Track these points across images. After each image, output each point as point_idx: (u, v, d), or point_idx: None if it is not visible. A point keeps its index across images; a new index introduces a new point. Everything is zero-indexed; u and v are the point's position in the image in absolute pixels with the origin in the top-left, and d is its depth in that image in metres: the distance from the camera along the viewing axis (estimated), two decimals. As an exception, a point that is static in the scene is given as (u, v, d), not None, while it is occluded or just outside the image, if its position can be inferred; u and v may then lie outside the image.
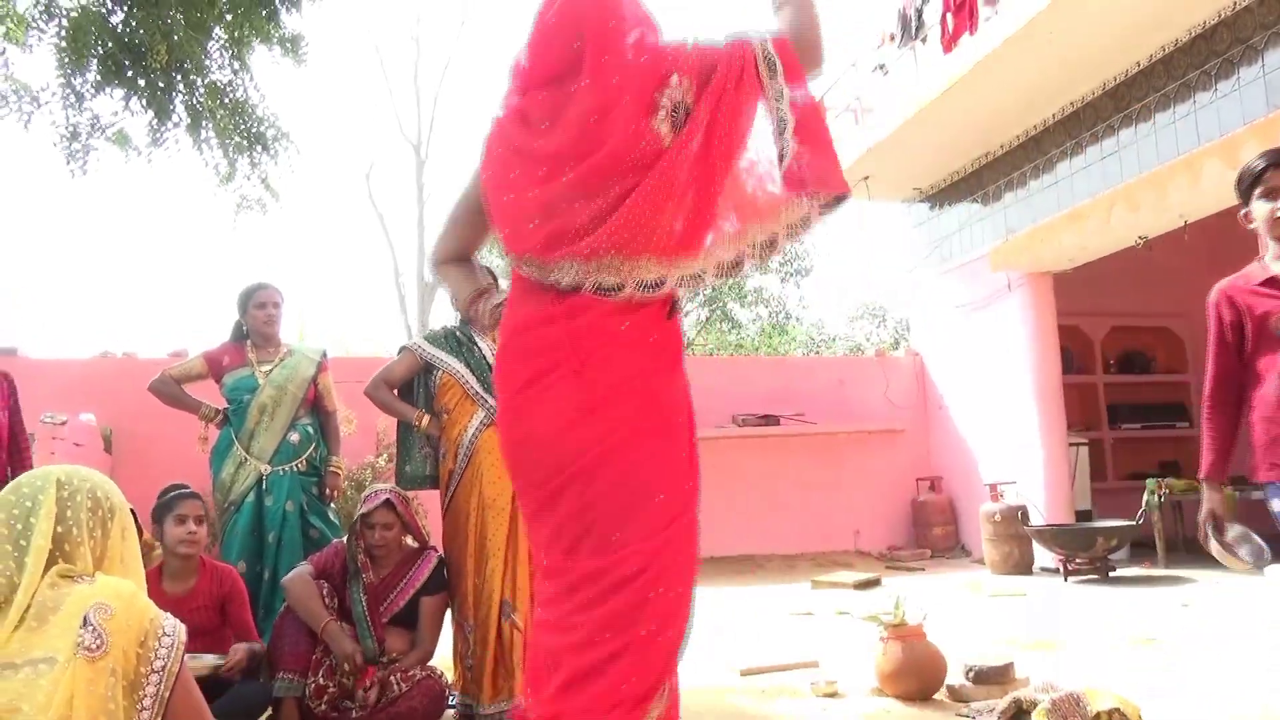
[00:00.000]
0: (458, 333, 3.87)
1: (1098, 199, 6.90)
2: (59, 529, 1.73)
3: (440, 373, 3.79)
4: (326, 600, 3.53)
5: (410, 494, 3.85)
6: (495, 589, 3.54)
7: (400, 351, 3.96)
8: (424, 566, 3.68)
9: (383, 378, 3.87)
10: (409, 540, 3.80)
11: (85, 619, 1.62)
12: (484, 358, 3.77)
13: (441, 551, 3.74)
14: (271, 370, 4.31)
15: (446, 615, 3.73)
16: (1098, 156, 7.09)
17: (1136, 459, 9.68)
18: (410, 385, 3.94)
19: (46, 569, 1.69)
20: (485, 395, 3.69)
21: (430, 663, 3.61)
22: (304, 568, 3.64)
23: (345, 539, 3.74)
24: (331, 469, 4.38)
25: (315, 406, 4.43)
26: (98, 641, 1.61)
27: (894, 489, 9.51)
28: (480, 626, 3.55)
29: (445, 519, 3.74)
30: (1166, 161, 6.38)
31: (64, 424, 6.45)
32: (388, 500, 3.65)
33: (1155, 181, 6.38)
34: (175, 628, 1.75)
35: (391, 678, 3.42)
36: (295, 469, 4.25)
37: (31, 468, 4.35)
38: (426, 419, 3.79)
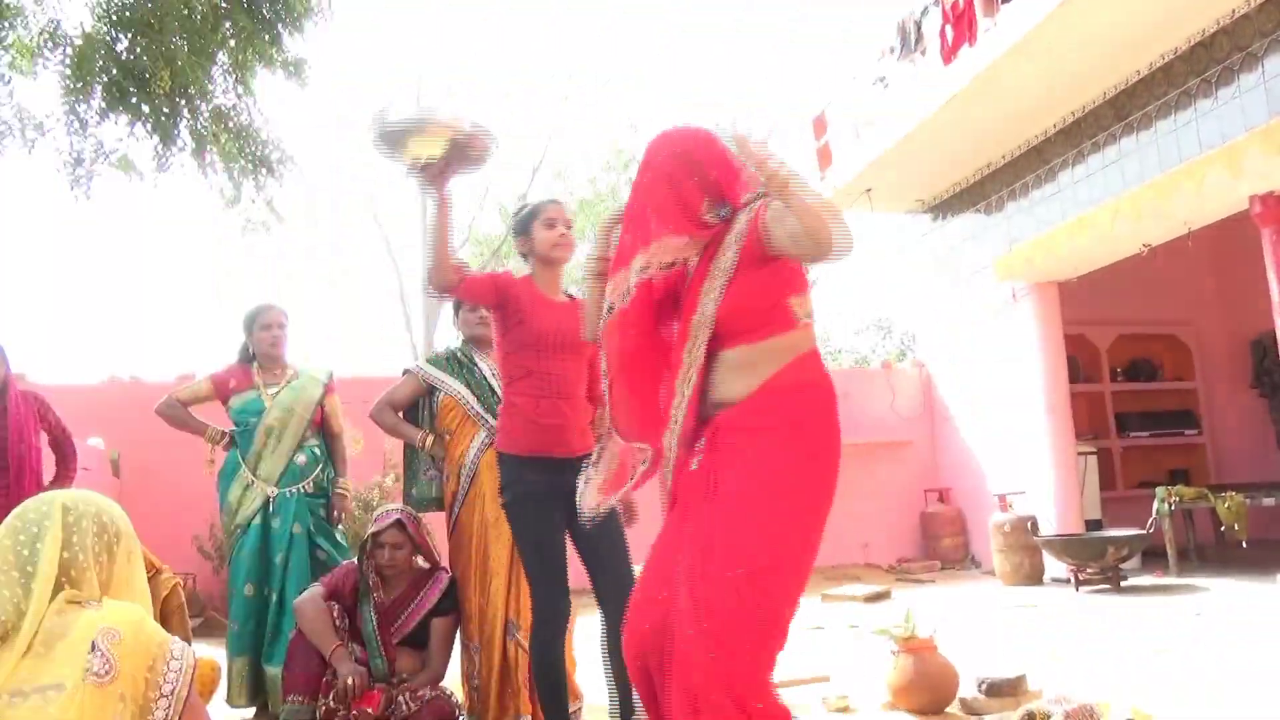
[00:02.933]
0: (459, 354, 3.89)
1: (1101, 207, 6.90)
2: (65, 555, 1.72)
3: (442, 394, 3.81)
4: (338, 621, 3.52)
5: (419, 514, 3.85)
6: (499, 608, 3.54)
7: (404, 374, 3.98)
8: (435, 587, 3.68)
9: (387, 400, 3.89)
10: (420, 561, 3.80)
11: (93, 645, 1.62)
12: (484, 378, 3.77)
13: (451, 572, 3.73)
14: (278, 392, 4.31)
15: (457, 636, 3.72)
16: (1100, 165, 7.09)
17: (1145, 467, 9.64)
18: (416, 407, 3.95)
19: (53, 595, 1.68)
20: (486, 416, 3.69)
21: (441, 683, 3.60)
22: (315, 589, 3.63)
23: (356, 559, 3.74)
24: (338, 491, 4.37)
25: (322, 428, 4.43)
26: (106, 667, 1.61)
27: (902, 501, 9.47)
28: (485, 646, 3.54)
29: (450, 540, 3.73)
30: (1168, 169, 6.38)
31: (72, 449, 6.45)
32: (398, 520, 3.66)
33: (1158, 189, 6.38)
34: (184, 651, 1.75)
35: (401, 697, 3.41)
36: (302, 491, 4.24)
37: (74, 474, 4.39)
38: (430, 440, 3.80)
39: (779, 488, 2.14)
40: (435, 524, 3.88)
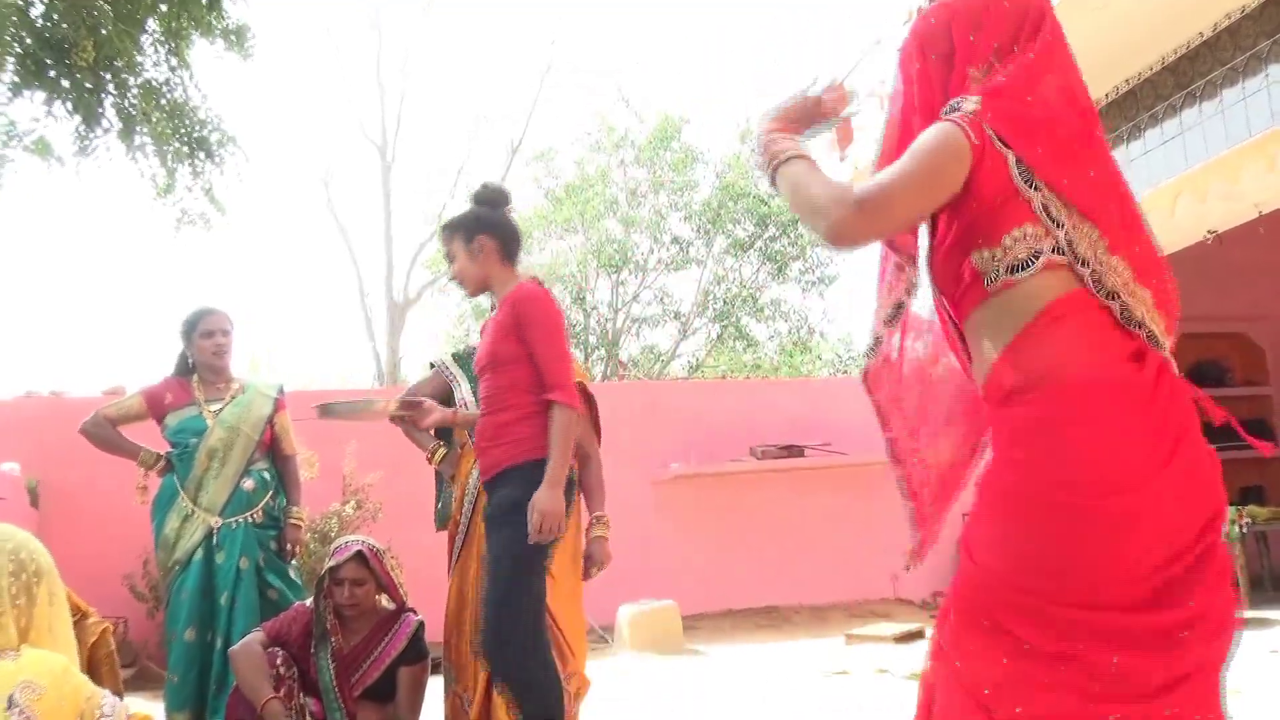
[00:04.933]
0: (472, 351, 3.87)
1: (1159, 189, 6.91)
2: (-22, 597, 1.72)
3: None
4: (283, 671, 3.51)
5: (385, 547, 3.83)
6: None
7: (430, 369, 3.98)
8: (401, 632, 3.67)
9: (409, 396, 3.90)
10: (384, 601, 3.79)
11: (10, 700, 1.61)
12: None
13: (422, 615, 3.72)
14: (221, 409, 4.30)
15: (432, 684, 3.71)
16: (1158, 140, 7.11)
17: (1214, 485, 9.63)
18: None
19: (-36, 643, 1.68)
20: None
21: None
22: (255, 635, 3.63)
23: (309, 600, 3.73)
24: (292, 521, 4.36)
25: (272, 449, 4.42)
26: (25, 726, 1.60)
27: (937, 526, 9.45)
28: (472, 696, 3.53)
29: (451, 574, 3.71)
30: (1237, 144, 6.39)
31: (-17, 475, 6.44)
32: (359, 553, 3.65)
33: (1225, 167, 6.39)
34: (114, 706, 1.74)
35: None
36: (250, 520, 4.23)
37: None
38: (440, 453, 3.75)
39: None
40: (414, 555, 3.88)
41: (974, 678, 1.78)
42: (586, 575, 3.66)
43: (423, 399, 3.53)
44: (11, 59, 4.84)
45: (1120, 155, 7.44)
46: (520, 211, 20.03)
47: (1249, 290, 9.73)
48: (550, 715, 3.06)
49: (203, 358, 4.36)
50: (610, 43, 34.29)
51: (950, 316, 1.98)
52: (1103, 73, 7.30)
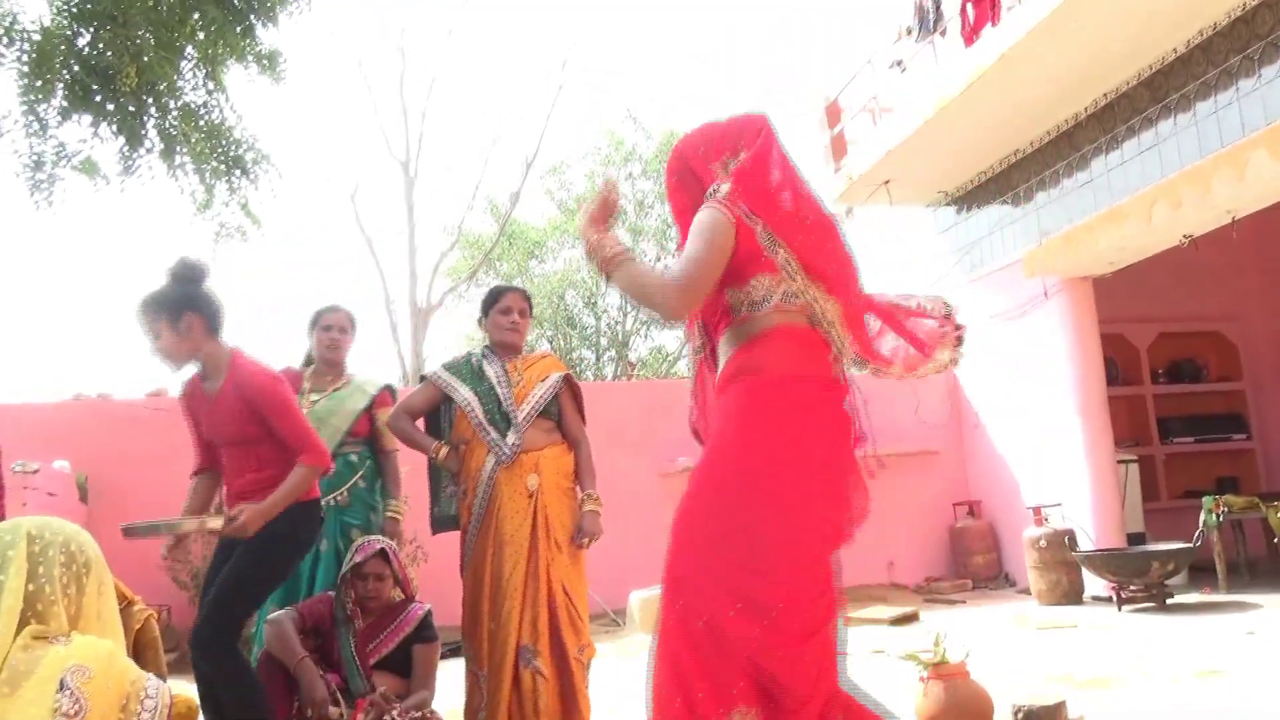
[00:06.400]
0: (474, 359, 3.93)
1: (1137, 196, 6.90)
2: (31, 586, 1.72)
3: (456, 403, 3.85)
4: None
5: (409, 540, 3.87)
6: (511, 633, 3.54)
7: (421, 380, 4.03)
8: (412, 615, 3.83)
9: (403, 407, 3.94)
10: (395, 594, 3.89)
11: (62, 683, 1.62)
12: (492, 388, 3.81)
13: (461, 594, 3.77)
14: (320, 400, 4.29)
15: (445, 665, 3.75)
16: (1136, 151, 7.09)
17: (1191, 476, 9.61)
18: (437, 416, 3.97)
19: (19, 630, 1.68)
20: (488, 428, 3.72)
21: (435, 708, 3.69)
22: (287, 611, 3.74)
23: (334, 590, 3.82)
24: (389, 514, 4.28)
25: (371, 442, 4.35)
26: (76, 707, 1.61)
27: (930, 515, 9.44)
28: (494, 673, 3.54)
29: (466, 562, 3.73)
30: (1209, 154, 6.37)
31: (36, 472, 6.46)
32: (382, 550, 3.77)
33: (1198, 176, 6.38)
34: (158, 689, 1.75)
35: (388, 715, 3.47)
36: (334, 502, 4.17)
37: (3, 518, 4.35)
38: (444, 451, 3.80)
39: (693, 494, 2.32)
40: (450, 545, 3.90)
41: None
42: (579, 545, 3.74)
43: (241, 509, 3.24)
44: (61, 85, 4.86)
45: (1099, 165, 7.43)
46: (534, 222, 20.07)
47: (1223, 291, 9.70)
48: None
49: (319, 349, 4.37)
50: (619, 61, 34.30)
51: (708, 342, 2.55)
52: (1082, 88, 7.29)
